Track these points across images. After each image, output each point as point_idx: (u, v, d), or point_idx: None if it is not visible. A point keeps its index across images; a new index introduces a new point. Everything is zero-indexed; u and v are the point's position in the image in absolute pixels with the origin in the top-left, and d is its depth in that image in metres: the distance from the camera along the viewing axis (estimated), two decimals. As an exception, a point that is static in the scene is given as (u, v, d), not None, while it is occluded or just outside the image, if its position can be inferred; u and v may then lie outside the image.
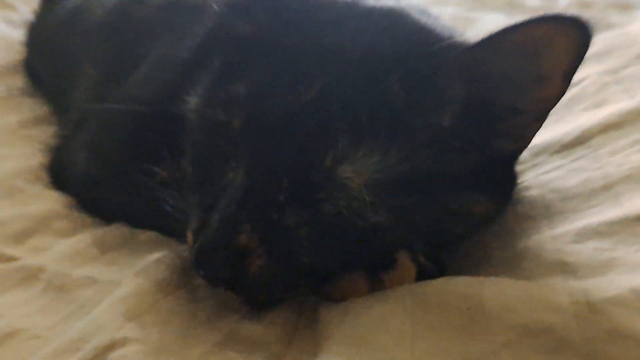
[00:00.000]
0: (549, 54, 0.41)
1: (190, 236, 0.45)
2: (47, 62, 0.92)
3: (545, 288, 0.36)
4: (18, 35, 1.13)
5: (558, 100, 0.44)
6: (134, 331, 0.41)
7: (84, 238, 0.56)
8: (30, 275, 0.51)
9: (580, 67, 0.42)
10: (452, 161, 0.44)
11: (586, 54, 0.41)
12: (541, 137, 0.54)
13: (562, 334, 0.33)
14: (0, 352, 0.42)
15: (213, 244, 0.41)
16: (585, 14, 1.19)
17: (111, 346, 0.40)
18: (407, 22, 0.48)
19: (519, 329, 0.34)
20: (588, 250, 0.39)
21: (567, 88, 0.43)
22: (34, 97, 0.93)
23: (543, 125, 0.46)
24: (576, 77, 0.63)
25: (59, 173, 0.68)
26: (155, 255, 0.50)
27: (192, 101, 0.48)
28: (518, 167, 0.51)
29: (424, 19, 0.50)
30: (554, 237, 0.42)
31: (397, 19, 0.48)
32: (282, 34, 0.46)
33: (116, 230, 0.57)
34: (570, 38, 0.40)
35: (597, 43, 0.69)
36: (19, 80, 0.98)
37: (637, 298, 0.33)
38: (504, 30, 0.41)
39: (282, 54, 0.45)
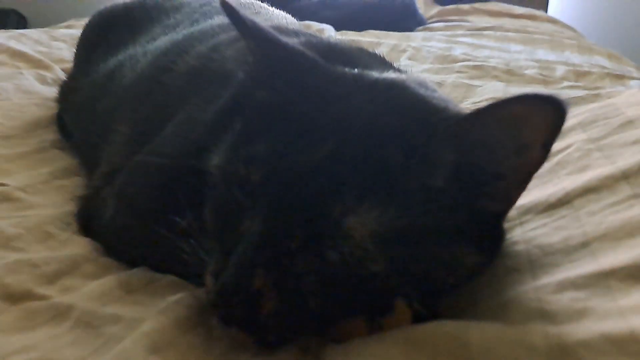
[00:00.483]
0: (528, 128, 0.45)
1: (208, 278, 0.49)
2: (79, 118, 0.98)
3: (524, 331, 0.40)
4: (50, 92, 1.21)
5: (539, 167, 0.48)
6: (156, 363, 0.45)
7: (110, 280, 0.60)
8: (60, 313, 0.55)
9: (558, 138, 0.45)
10: (445, 218, 0.48)
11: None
12: (529, 198, 0.59)
13: (537, 372, 0.37)
14: (34, 381, 0.46)
15: (231, 286, 0.45)
16: (581, 83, 1.25)
17: (136, 376, 0.44)
18: (406, 94, 0.54)
19: (499, 366, 0.39)
20: (565, 300, 0.43)
21: (546, 157, 0.47)
22: (64, 150, 1.00)
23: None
24: (563, 144, 0.69)
25: (88, 221, 0.74)
26: (175, 297, 0.54)
27: (216, 158, 0.53)
28: (507, 224, 0.55)
29: (422, 91, 0.55)
30: (536, 288, 0.46)
31: (397, 91, 0.54)
32: (297, 102, 0.51)
33: (139, 274, 0.62)
34: (547, 114, 0.43)
35: (584, 113, 0.75)
36: (50, 134, 1.05)
37: (605, 342, 0.37)
38: (489, 106, 0.45)
39: (297, 119, 0.50)
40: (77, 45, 1.18)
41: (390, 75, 0.59)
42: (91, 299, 0.57)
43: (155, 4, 1.12)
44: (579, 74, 1.53)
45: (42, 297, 0.57)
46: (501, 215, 0.53)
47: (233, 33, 0.78)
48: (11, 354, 0.48)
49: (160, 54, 0.89)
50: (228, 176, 0.51)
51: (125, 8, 1.13)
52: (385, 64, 0.72)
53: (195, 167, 0.56)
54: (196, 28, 0.93)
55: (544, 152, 0.47)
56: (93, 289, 0.59)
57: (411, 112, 0.51)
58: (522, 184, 0.50)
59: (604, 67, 1.66)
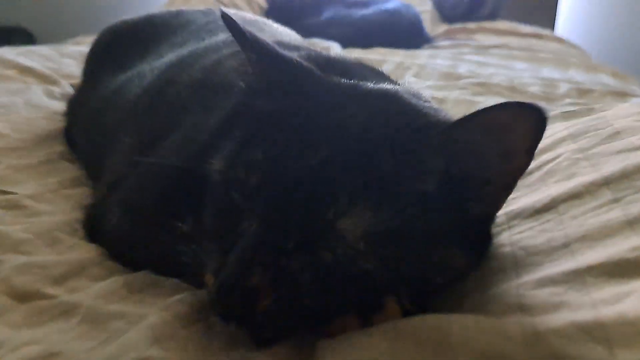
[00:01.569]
0: (512, 134, 0.47)
1: (209, 277, 0.51)
2: (87, 131, 1.01)
3: (501, 322, 0.42)
4: (58, 106, 1.25)
5: (523, 172, 0.50)
6: (157, 352, 0.48)
7: (115, 281, 0.63)
8: (67, 310, 0.57)
9: (540, 143, 0.47)
10: (435, 220, 0.50)
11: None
12: (517, 204, 0.61)
13: (512, 358, 0.39)
14: (43, 370, 0.48)
15: (229, 283, 0.47)
16: (582, 100, 1.26)
17: (139, 363, 0.46)
18: (398, 103, 0.56)
19: (478, 354, 0.40)
20: (544, 294, 0.45)
21: (530, 161, 0.49)
22: (71, 162, 1.03)
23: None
24: (553, 154, 0.72)
25: (94, 227, 0.76)
26: (177, 296, 0.57)
27: (216, 163, 0.55)
28: (495, 229, 0.57)
29: (414, 100, 0.57)
30: (518, 285, 0.48)
31: (390, 100, 0.56)
32: (294, 111, 0.53)
33: (143, 276, 0.64)
34: (529, 121, 0.46)
35: (575, 125, 0.77)
36: (58, 146, 1.08)
37: (575, 329, 0.40)
38: (474, 114, 0.47)
39: (294, 127, 0.52)
40: (86, 61, 1.20)
41: (384, 85, 0.61)
42: (97, 298, 0.59)
43: (162, 21, 1.15)
44: (582, 92, 1.53)
45: (50, 297, 0.60)
46: (487, 218, 0.55)
47: (235, 47, 0.81)
48: (21, 346, 0.51)
49: (166, 69, 0.91)
50: (228, 180, 0.53)
51: (134, 25, 1.16)
52: (381, 76, 0.74)
53: (197, 173, 0.58)
54: (201, 44, 0.96)
55: (528, 157, 0.49)
56: (99, 289, 0.61)
57: (403, 120, 0.53)
58: (507, 189, 0.52)
59: (607, 85, 1.66)
